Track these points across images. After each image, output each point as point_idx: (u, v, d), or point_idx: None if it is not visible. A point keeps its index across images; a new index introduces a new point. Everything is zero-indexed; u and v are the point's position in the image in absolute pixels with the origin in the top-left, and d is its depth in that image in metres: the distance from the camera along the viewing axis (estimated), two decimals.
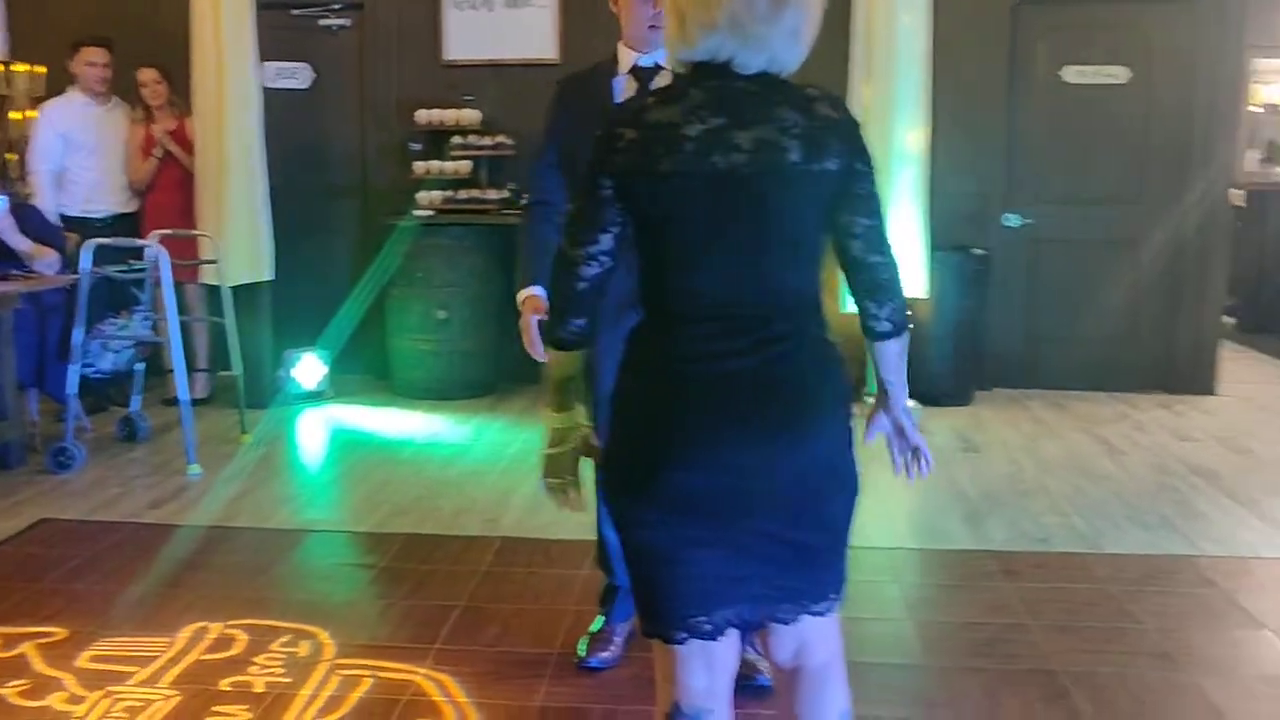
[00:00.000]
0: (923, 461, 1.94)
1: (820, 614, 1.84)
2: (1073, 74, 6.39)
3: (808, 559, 1.80)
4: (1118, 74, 6.37)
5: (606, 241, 1.79)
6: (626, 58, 2.82)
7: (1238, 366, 7.03)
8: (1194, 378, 6.43)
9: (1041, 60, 6.42)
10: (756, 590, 1.80)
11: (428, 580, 3.64)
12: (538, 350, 2.76)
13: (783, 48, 1.73)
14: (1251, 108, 9.03)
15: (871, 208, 1.77)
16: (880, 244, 1.78)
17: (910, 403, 1.99)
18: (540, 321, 2.73)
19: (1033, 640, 3.18)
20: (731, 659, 1.87)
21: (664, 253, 1.77)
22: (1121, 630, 3.26)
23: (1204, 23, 6.26)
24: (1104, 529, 4.14)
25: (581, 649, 3.05)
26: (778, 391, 1.73)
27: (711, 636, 1.80)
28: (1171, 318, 6.47)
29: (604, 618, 3.09)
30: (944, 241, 5.96)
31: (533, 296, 2.81)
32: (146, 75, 5.86)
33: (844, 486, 1.82)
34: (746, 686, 2.66)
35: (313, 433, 5.67)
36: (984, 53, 6.32)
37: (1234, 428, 5.70)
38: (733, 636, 1.85)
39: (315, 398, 6.16)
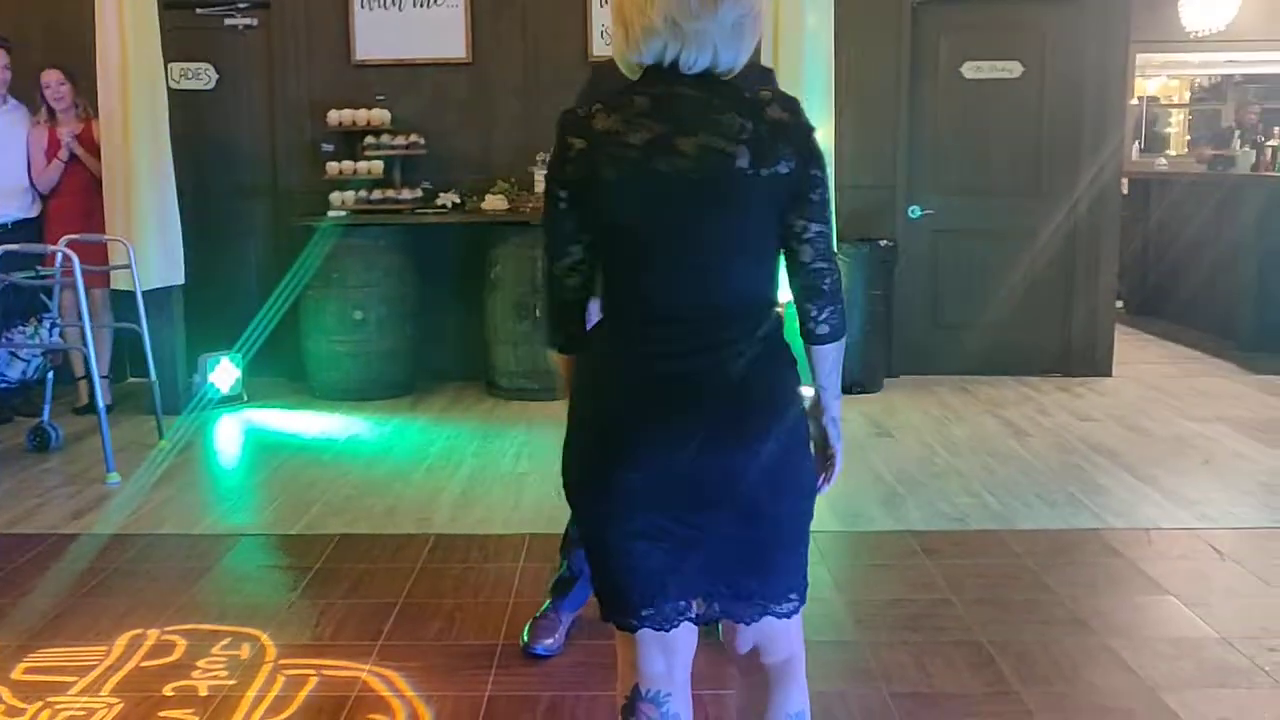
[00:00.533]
0: (832, 474, 1.94)
1: (783, 615, 1.86)
2: (970, 69, 6.63)
3: (761, 559, 1.82)
4: (1012, 69, 6.61)
5: (578, 252, 1.83)
6: None
7: (1129, 348, 7.36)
8: (1090, 360, 6.73)
9: (942, 57, 6.64)
10: (709, 587, 1.84)
11: (365, 579, 3.66)
12: None
13: (724, 44, 1.74)
14: (1131, 100, 9.42)
15: (823, 214, 1.79)
16: (828, 250, 1.81)
17: None
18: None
19: (957, 613, 3.33)
20: (688, 646, 1.91)
21: (616, 257, 1.80)
22: (1038, 600, 3.43)
23: (1092, 19, 6.54)
24: (1015, 507, 4.33)
25: (525, 636, 3.11)
26: (726, 392, 1.75)
27: (663, 627, 1.84)
28: (1067, 303, 6.75)
29: (549, 603, 3.15)
30: (851, 233, 6.13)
31: None
32: (50, 77, 5.72)
33: (795, 487, 1.84)
34: None
35: (231, 437, 5.60)
36: (886, 50, 6.51)
37: (1130, 407, 5.98)
38: (688, 626, 1.89)
39: (231, 402, 6.09)
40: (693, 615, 1.86)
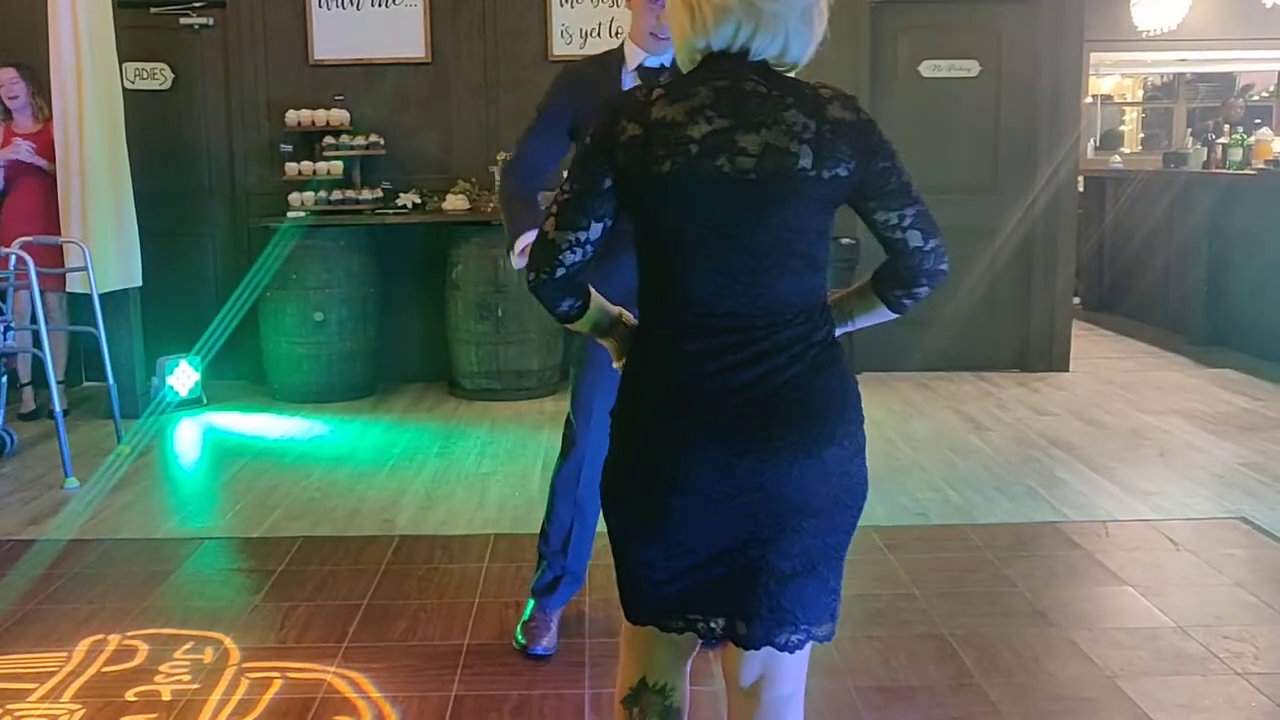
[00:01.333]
0: None
1: (795, 647, 1.76)
2: (928, 68, 6.69)
3: (813, 570, 1.73)
4: (970, 68, 6.68)
5: (596, 230, 1.72)
6: (634, 54, 2.89)
7: (1085, 344, 7.46)
8: (1048, 356, 6.81)
9: (900, 56, 6.69)
10: (734, 608, 1.75)
11: (328, 581, 3.64)
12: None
13: (795, 32, 1.68)
14: (1086, 99, 9.55)
15: (912, 196, 1.72)
16: (934, 227, 1.73)
17: None
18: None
19: (921, 607, 3.37)
20: (694, 642, 1.90)
21: (664, 257, 1.71)
22: (999, 593, 3.48)
23: (1047, 19, 6.63)
24: (976, 501, 4.38)
25: (520, 638, 3.11)
26: (783, 404, 1.67)
27: (681, 633, 1.81)
28: (1026, 300, 6.83)
29: (534, 604, 3.16)
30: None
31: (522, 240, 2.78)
32: (3, 74, 5.63)
33: (858, 494, 1.77)
34: None
35: (191, 440, 5.55)
36: (845, 49, 6.55)
37: (1087, 401, 6.06)
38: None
39: (190, 405, 6.03)
40: (706, 632, 1.80)
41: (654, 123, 1.65)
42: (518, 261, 2.79)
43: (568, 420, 3.05)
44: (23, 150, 5.63)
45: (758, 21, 1.66)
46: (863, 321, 1.87)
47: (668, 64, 2.86)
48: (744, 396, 1.67)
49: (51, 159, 5.65)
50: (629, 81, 2.87)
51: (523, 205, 2.92)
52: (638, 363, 1.79)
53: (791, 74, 1.73)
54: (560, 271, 1.74)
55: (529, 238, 2.73)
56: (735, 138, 1.63)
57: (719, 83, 1.67)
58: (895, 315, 1.84)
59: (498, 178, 3.07)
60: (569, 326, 1.89)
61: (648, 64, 2.87)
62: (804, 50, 1.72)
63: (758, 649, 1.76)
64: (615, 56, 2.94)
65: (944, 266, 1.76)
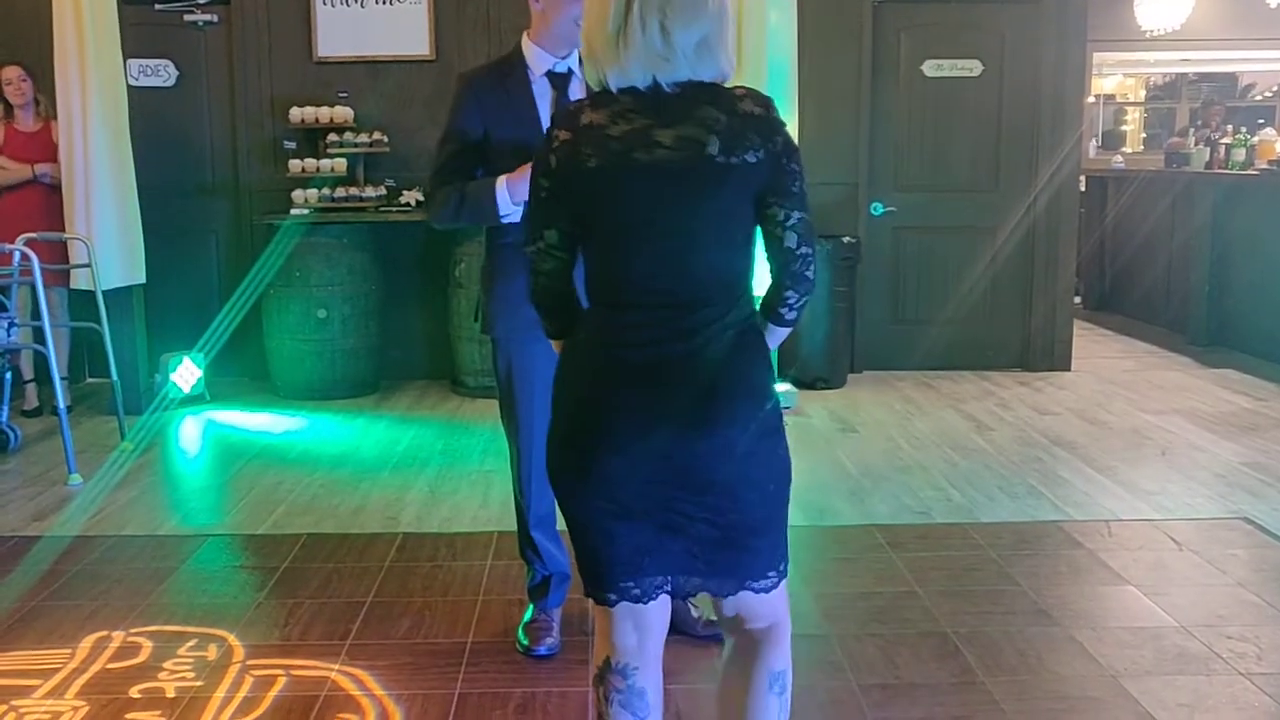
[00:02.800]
0: None
1: (763, 590, 1.93)
2: (931, 67, 6.69)
3: (738, 541, 1.87)
4: (972, 67, 6.68)
5: (552, 237, 1.90)
6: (538, 58, 2.85)
7: (1086, 343, 7.47)
8: (1050, 355, 6.82)
9: (903, 55, 6.69)
10: (687, 564, 1.90)
11: (332, 579, 3.64)
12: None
13: (699, 62, 1.81)
14: (1088, 98, 9.55)
15: (804, 204, 1.86)
16: (811, 238, 1.87)
17: (785, 386, 2.11)
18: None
19: (923, 605, 3.37)
20: (661, 623, 1.98)
21: (597, 244, 1.87)
22: (1002, 592, 3.48)
23: (1050, 18, 6.63)
24: (978, 500, 4.39)
25: (523, 639, 3.10)
26: (701, 378, 1.80)
27: (640, 600, 1.92)
28: (1027, 299, 6.83)
29: (533, 606, 3.16)
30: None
31: (507, 177, 2.73)
32: (11, 73, 5.64)
33: (769, 474, 1.88)
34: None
35: (194, 437, 5.56)
36: (848, 49, 6.57)
37: (1088, 401, 6.06)
38: (663, 602, 1.96)
39: (193, 402, 6.04)
40: (669, 589, 1.94)
41: (582, 127, 1.83)
42: (516, 212, 2.71)
43: (507, 432, 3.06)
44: (46, 176, 5.68)
45: (657, 68, 1.80)
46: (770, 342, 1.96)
47: (575, 69, 2.84)
48: (669, 369, 1.81)
49: (52, 158, 5.66)
50: (541, 88, 2.83)
51: (465, 190, 2.79)
52: (578, 337, 1.94)
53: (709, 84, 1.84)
54: (542, 279, 1.95)
55: (503, 183, 2.72)
56: (653, 133, 1.79)
57: (640, 90, 1.82)
58: (781, 329, 1.95)
59: (424, 211, 2.96)
60: (557, 346, 2.04)
61: (556, 69, 2.85)
62: (720, 72, 1.84)
63: (734, 595, 1.93)
64: (516, 61, 2.87)
65: (809, 274, 1.89)
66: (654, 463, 1.81)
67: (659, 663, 2.01)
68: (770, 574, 1.93)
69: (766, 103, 1.84)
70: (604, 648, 1.99)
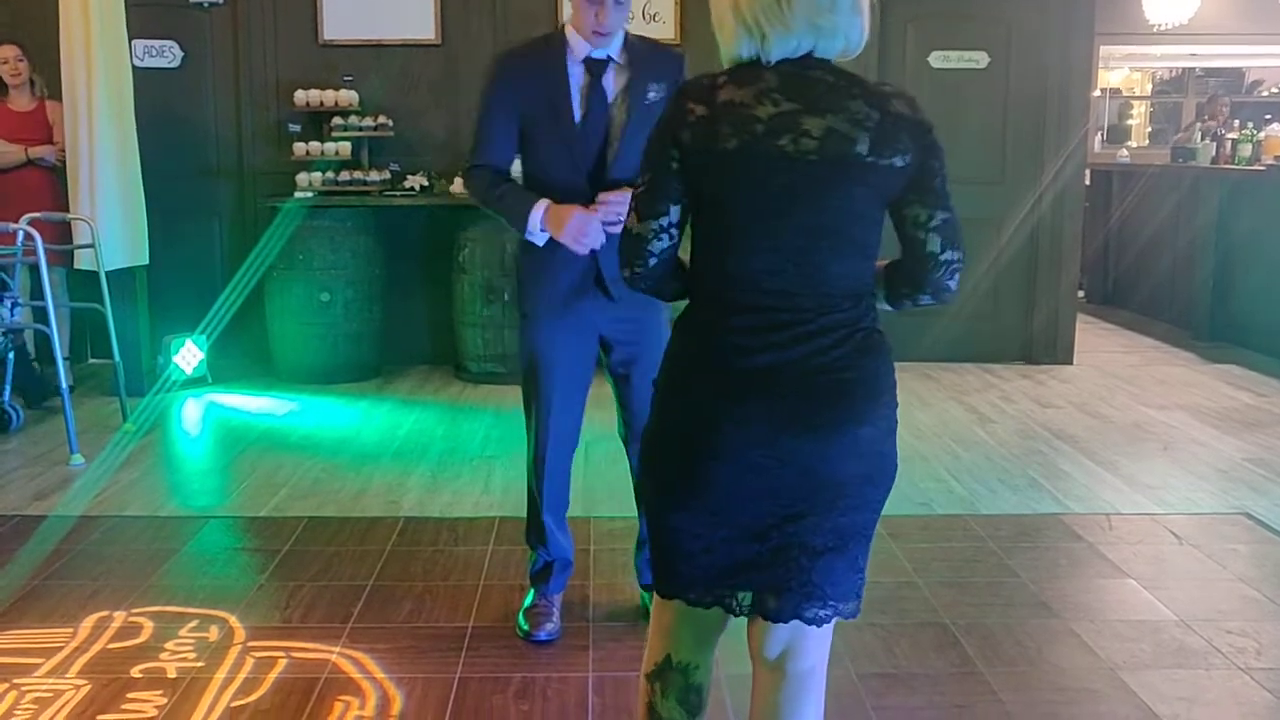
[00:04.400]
0: None
1: (821, 621, 1.82)
2: (937, 59, 6.67)
3: (834, 547, 1.78)
4: (979, 59, 6.67)
5: (675, 214, 1.79)
6: (578, 45, 2.85)
7: (1089, 337, 7.46)
8: (1052, 348, 6.82)
9: (909, 46, 6.68)
10: (763, 580, 1.81)
11: (334, 562, 3.65)
12: (595, 236, 2.77)
13: (849, 28, 1.74)
14: (1094, 92, 9.53)
15: (948, 202, 1.77)
16: (959, 241, 1.78)
17: None
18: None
19: (923, 596, 3.38)
20: (721, 622, 1.94)
21: (721, 234, 1.77)
22: (1002, 583, 3.49)
23: (1057, 11, 6.61)
24: (979, 491, 4.39)
25: (524, 625, 3.11)
26: (824, 384, 1.73)
27: (708, 607, 1.86)
28: (1031, 292, 6.83)
29: (534, 591, 3.17)
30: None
31: (553, 209, 2.79)
32: (8, 52, 5.62)
33: (883, 476, 1.81)
34: None
35: (196, 419, 5.56)
36: None
37: (1090, 394, 6.06)
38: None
39: (195, 384, 6.04)
40: (735, 607, 1.85)
41: (721, 104, 1.72)
42: (540, 237, 2.82)
43: (526, 411, 3.07)
44: (44, 160, 5.68)
45: (818, 35, 1.72)
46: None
47: (615, 56, 2.86)
48: (787, 374, 1.73)
49: (46, 139, 5.65)
50: (576, 73, 2.84)
51: (508, 189, 2.90)
52: (686, 335, 1.83)
53: (848, 66, 1.78)
54: (652, 260, 1.82)
55: (542, 207, 2.79)
56: (800, 120, 1.69)
57: (785, 69, 1.73)
58: (890, 309, 1.88)
59: (462, 186, 3.03)
60: None
61: (594, 55, 2.85)
62: (860, 38, 1.77)
63: (786, 622, 1.81)
64: (556, 42, 2.88)
65: (952, 284, 1.81)
66: (771, 471, 1.73)
67: (713, 663, 2.00)
68: (851, 599, 1.83)
69: (914, 103, 1.76)
70: (664, 644, 1.96)
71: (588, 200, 2.78)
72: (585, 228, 2.74)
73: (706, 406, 1.76)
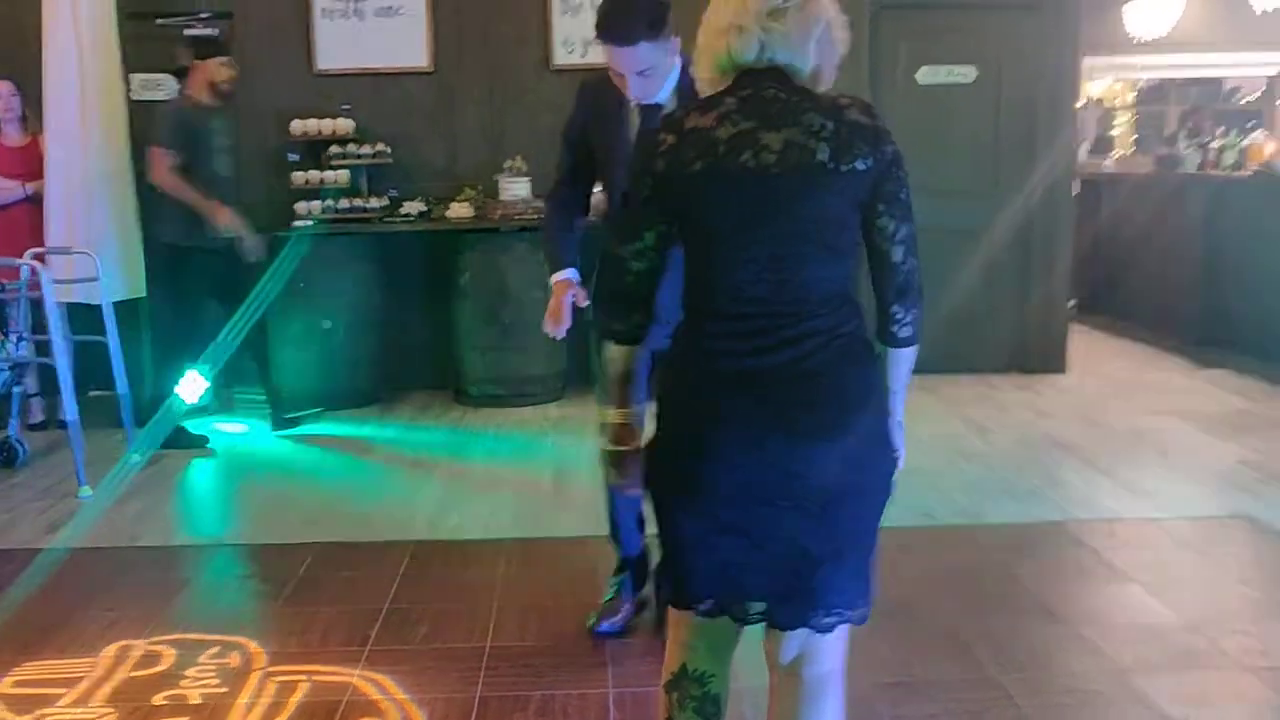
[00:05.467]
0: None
1: (828, 628, 1.87)
2: (926, 73, 6.76)
3: (829, 557, 1.82)
4: (968, 73, 6.75)
5: (649, 239, 1.87)
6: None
7: (1081, 345, 7.52)
8: (1047, 358, 6.89)
9: (900, 61, 6.76)
10: (770, 588, 1.85)
11: (348, 587, 3.68)
12: (559, 328, 3.03)
13: (802, 49, 1.83)
14: (1079, 103, 9.64)
15: (910, 215, 1.83)
16: (914, 249, 1.84)
17: None
18: (581, 307, 3.02)
19: (933, 606, 3.43)
20: (735, 633, 1.98)
21: (700, 249, 1.85)
22: (1008, 591, 3.54)
23: (1044, 25, 6.70)
24: (982, 502, 4.45)
25: (591, 619, 3.28)
26: (808, 388, 1.78)
27: (714, 616, 1.90)
28: (1023, 301, 6.90)
29: (616, 589, 3.35)
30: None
31: (564, 280, 3.04)
32: (2, 87, 5.67)
33: (875, 483, 1.86)
34: None
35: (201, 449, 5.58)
36: (846, 54, 6.61)
37: (1086, 403, 6.13)
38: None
39: (199, 413, 6.06)
40: (743, 616, 1.89)
41: (687, 130, 1.82)
42: (556, 298, 3.06)
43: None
44: (27, 191, 5.71)
45: (768, 37, 1.81)
46: (895, 379, 1.94)
47: (665, 102, 2.97)
48: (773, 378, 1.79)
49: (39, 174, 5.69)
50: (631, 115, 3.00)
51: (557, 243, 3.12)
52: (678, 348, 1.90)
53: (810, 87, 1.86)
54: (628, 278, 1.90)
55: (563, 275, 3.04)
56: (759, 136, 1.78)
57: (743, 93, 1.83)
58: (902, 349, 1.91)
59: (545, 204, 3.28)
60: (610, 351, 1.97)
61: (644, 101, 2.96)
62: (818, 63, 1.85)
63: (795, 630, 1.87)
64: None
65: (916, 285, 1.87)
66: (759, 473, 1.79)
67: (729, 673, 2.04)
68: (840, 610, 1.86)
69: (872, 111, 1.83)
70: (680, 654, 2.01)
71: None
72: (556, 309, 3.03)
73: (695, 409, 1.84)
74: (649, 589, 3.36)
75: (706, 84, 1.90)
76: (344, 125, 6.35)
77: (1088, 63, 10.18)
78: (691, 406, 1.85)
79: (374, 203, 6.30)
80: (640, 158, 1.89)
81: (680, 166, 1.80)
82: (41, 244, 5.52)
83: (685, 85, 2.99)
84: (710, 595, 1.88)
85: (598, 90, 3.05)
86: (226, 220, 5.37)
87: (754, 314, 1.81)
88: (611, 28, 2.78)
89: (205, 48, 5.61)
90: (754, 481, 1.79)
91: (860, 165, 1.78)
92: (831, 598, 1.85)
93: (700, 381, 1.84)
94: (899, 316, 1.87)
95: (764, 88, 1.82)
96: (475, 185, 6.41)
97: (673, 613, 2.00)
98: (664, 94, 2.94)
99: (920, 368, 1.99)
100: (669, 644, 2.04)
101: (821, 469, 1.78)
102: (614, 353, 1.97)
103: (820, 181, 1.77)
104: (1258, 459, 4.95)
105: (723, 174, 1.78)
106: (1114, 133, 12.55)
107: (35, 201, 5.73)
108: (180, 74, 5.81)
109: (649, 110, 2.93)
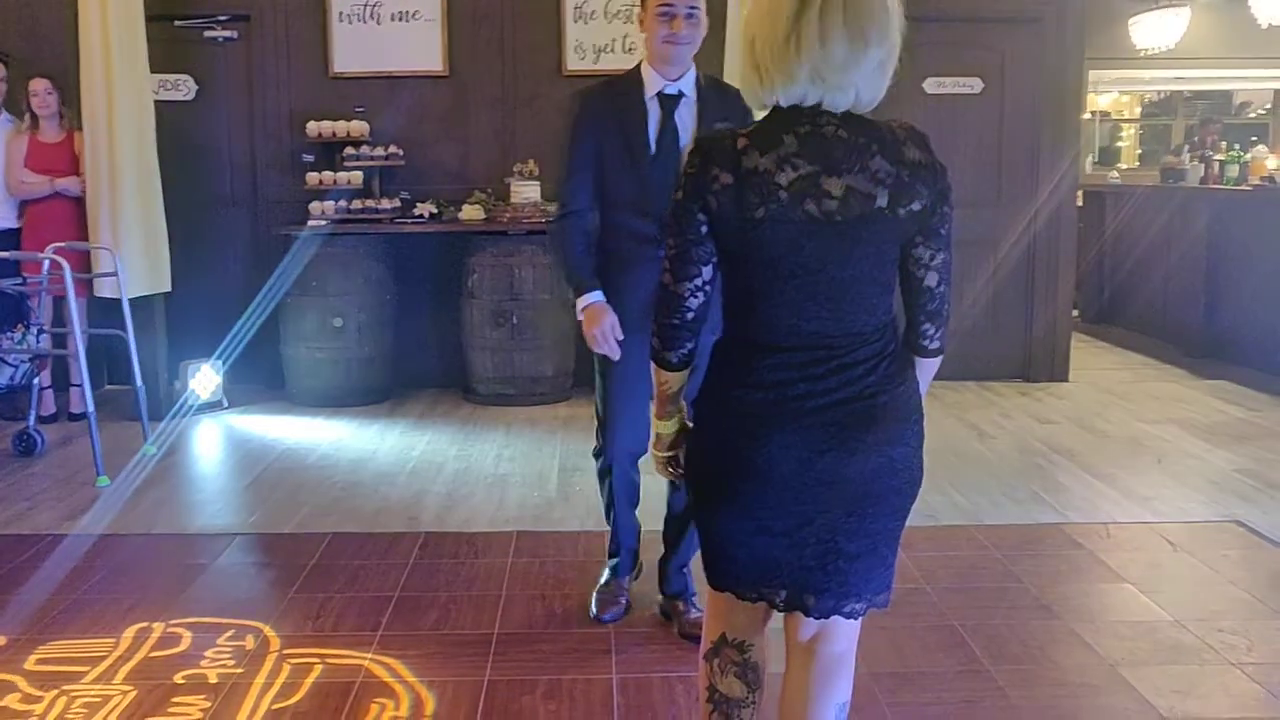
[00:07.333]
0: None
1: (856, 615, 1.96)
2: (933, 85, 6.85)
3: (870, 551, 1.92)
4: (973, 85, 6.85)
5: (707, 273, 1.90)
6: (651, 80, 3.04)
7: (1084, 355, 7.62)
8: (1049, 366, 6.98)
9: (905, 72, 6.83)
10: (803, 578, 1.93)
11: (360, 575, 3.78)
12: (609, 347, 3.02)
13: (867, 86, 1.80)
14: (1084, 115, 9.72)
15: (947, 243, 1.88)
16: (949, 276, 1.90)
17: None
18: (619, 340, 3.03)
19: (931, 601, 3.52)
20: (769, 609, 2.07)
21: (754, 286, 1.86)
22: (1006, 588, 3.63)
23: (1050, 38, 6.80)
24: (982, 503, 4.53)
25: (594, 607, 3.38)
26: (862, 409, 1.84)
27: (754, 601, 2.00)
28: (1027, 311, 6.99)
29: (610, 572, 3.46)
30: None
31: (594, 307, 3.03)
32: (39, 85, 5.79)
33: (911, 485, 1.94)
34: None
35: (215, 442, 5.69)
36: None
37: (1087, 410, 6.21)
38: None
39: (212, 408, 6.17)
40: (777, 602, 1.98)
41: (745, 171, 1.80)
42: (598, 326, 3.04)
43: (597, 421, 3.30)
44: (67, 190, 5.84)
45: (825, 90, 1.79)
46: (923, 379, 2.01)
47: (687, 92, 3.04)
48: (825, 404, 1.84)
49: (73, 170, 5.81)
50: (652, 109, 3.03)
51: (577, 266, 3.08)
52: (722, 375, 1.94)
53: (866, 114, 1.86)
54: (689, 315, 1.93)
55: (587, 300, 3.03)
56: (820, 182, 1.78)
57: (801, 129, 1.81)
58: (928, 358, 1.98)
59: (552, 226, 3.24)
60: (661, 376, 2.02)
61: (667, 91, 3.03)
62: (876, 95, 1.84)
63: (826, 618, 1.96)
64: (633, 80, 3.08)
65: (945, 310, 1.93)
66: (806, 487, 1.85)
67: (765, 642, 2.13)
68: (883, 591, 1.98)
69: (926, 143, 1.85)
70: (718, 625, 2.10)
71: (655, 235, 2.93)
72: (607, 336, 3.00)
73: (749, 436, 1.87)
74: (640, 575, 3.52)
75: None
76: (358, 127, 6.46)
77: (1094, 75, 10.30)
78: (743, 431, 1.88)
79: (385, 204, 6.40)
80: (690, 190, 1.85)
81: (740, 210, 1.80)
82: (71, 238, 5.64)
83: (699, 78, 3.08)
84: (748, 584, 1.97)
85: (603, 95, 3.09)
86: None
87: (809, 346, 1.85)
88: None
89: None
90: (799, 494, 1.86)
91: (916, 206, 1.81)
92: (863, 587, 1.94)
93: (752, 410, 1.87)
94: (929, 332, 1.94)
95: (822, 124, 1.80)
96: (486, 189, 6.52)
97: (710, 590, 2.08)
98: (688, 81, 3.02)
99: None
100: (707, 618, 2.14)
101: (871, 480, 1.86)
102: (666, 376, 2.02)
103: (878, 225, 1.80)
104: (1254, 467, 5.03)
105: (785, 220, 1.79)
106: (1120, 145, 12.64)
107: (66, 197, 5.85)
108: None
109: (669, 101, 3.00)
